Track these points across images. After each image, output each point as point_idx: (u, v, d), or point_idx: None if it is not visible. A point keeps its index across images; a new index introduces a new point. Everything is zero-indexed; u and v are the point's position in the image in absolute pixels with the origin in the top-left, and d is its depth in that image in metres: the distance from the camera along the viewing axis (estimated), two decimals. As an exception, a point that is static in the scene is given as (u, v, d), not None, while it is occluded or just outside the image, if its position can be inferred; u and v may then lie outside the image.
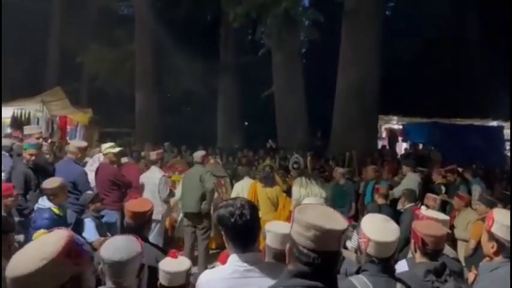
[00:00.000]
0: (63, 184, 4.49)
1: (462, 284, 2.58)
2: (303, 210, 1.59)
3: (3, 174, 5.36)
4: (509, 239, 2.22)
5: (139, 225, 3.02)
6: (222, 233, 2.06)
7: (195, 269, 5.86)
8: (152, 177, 6.43)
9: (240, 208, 1.98)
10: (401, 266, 2.78)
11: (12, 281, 1.25)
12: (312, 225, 1.49)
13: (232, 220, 1.96)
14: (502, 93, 14.25)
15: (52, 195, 4.35)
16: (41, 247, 1.32)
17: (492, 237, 2.30)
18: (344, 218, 1.58)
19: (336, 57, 13.80)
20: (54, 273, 1.27)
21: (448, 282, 2.24)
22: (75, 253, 1.33)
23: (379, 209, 5.56)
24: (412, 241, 2.55)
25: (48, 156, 6.29)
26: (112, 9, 20.02)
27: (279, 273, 1.65)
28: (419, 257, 2.47)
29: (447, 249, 3.26)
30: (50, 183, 4.45)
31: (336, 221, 1.53)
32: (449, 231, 2.70)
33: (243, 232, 1.98)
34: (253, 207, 2.06)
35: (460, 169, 8.63)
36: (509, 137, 14.84)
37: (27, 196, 5.11)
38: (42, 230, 1.49)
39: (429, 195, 6.18)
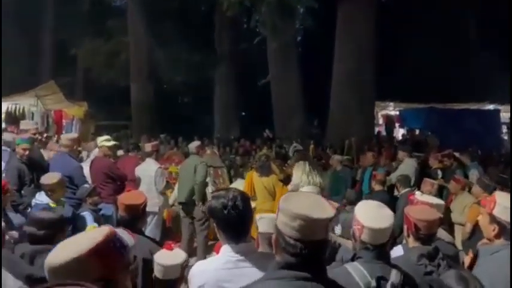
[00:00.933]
0: (61, 180, 4.47)
1: (459, 268, 2.58)
2: (288, 199, 1.55)
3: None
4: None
5: (133, 218, 3.00)
6: (214, 224, 2.04)
7: (193, 261, 5.90)
8: (148, 170, 6.41)
9: (232, 199, 1.95)
10: (397, 252, 2.78)
11: (45, 267, 1.28)
12: (297, 214, 1.46)
13: (225, 212, 1.94)
14: (498, 76, 14.23)
15: (50, 190, 4.34)
16: (77, 241, 1.34)
17: (494, 219, 2.29)
18: (331, 206, 1.56)
19: (332, 44, 13.72)
20: (79, 270, 1.26)
21: (449, 270, 2.23)
22: (106, 254, 1.30)
23: (357, 197, 5.61)
24: (405, 226, 2.54)
25: (51, 151, 6.23)
26: (105, 0, 19.82)
27: (271, 263, 1.63)
28: (412, 242, 2.47)
29: (442, 234, 3.27)
30: (48, 178, 4.42)
31: (322, 209, 1.50)
32: (442, 215, 2.70)
33: (235, 224, 1.96)
34: (246, 199, 2.03)
35: (457, 153, 8.63)
36: (505, 120, 14.85)
37: (22, 191, 5.09)
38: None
39: (426, 180, 6.18)
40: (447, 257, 2.51)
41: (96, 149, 7.07)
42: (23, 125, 7.20)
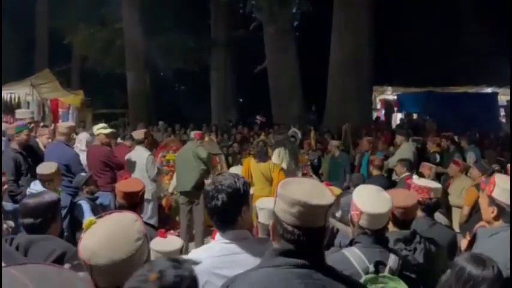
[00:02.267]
0: (58, 169, 4.46)
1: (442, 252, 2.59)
2: (286, 185, 1.51)
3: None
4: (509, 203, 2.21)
5: (132, 205, 3.00)
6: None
7: (192, 246, 5.92)
8: (139, 157, 6.34)
9: (219, 191, 1.89)
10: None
11: (109, 266, 1.34)
12: (296, 200, 1.43)
13: (211, 202, 1.91)
14: (496, 59, 14.16)
15: (48, 181, 4.32)
16: (122, 228, 1.43)
17: (493, 202, 2.29)
18: (331, 191, 1.53)
19: (329, 29, 13.60)
20: (146, 249, 1.43)
21: (464, 253, 2.23)
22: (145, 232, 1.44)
23: (364, 179, 5.58)
24: None
25: (50, 140, 6.16)
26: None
27: (265, 249, 1.61)
28: (391, 227, 2.48)
29: (440, 217, 3.27)
30: (45, 168, 4.40)
31: (322, 195, 1.47)
32: (421, 199, 2.71)
33: (218, 214, 1.93)
34: (238, 189, 1.94)
35: (455, 137, 8.64)
36: (503, 103, 14.84)
37: (20, 182, 5.06)
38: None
39: (424, 163, 6.18)
40: (427, 239, 2.52)
41: (83, 133, 7.01)
42: (19, 114, 7.14)
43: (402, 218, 2.46)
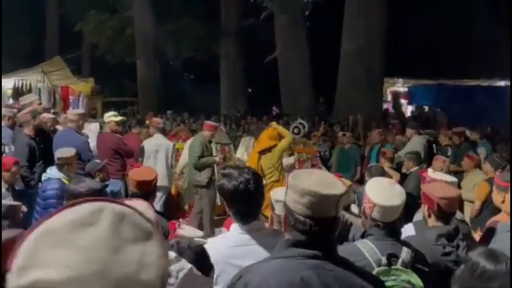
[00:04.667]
0: (76, 154, 4.49)
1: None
2: (297, 176, 1.52)
3: (6, 148, 5.32)
4: None
5: (145, 193, 3.01)
6: (224, 202, 2.03)
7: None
8: (159, 144, 6.35)
9: (244, 183, 1.90)
10: (408, 230, 2.76)
11: None
12: (307, 191, 1.43)
13: (236, 195, 1.91)
14: (509, 52, 13.91)
15: (67, 164, 4.34)
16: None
17: None
18: (341, 182, 1.53)
19: (341, 19, 13.46)
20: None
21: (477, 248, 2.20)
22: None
23: (383, 172, 5.53)
24: (426, 206, 2.47)
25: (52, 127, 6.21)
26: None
27: (279, 240, 1.61)
28: (433, 221, 2.41)
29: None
30: (64, 152, 4.43)
31: (333, 185, 1.47)
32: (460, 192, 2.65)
33: (245, 207, 1.93)
34: (258, 180, 1.98)
35: (467, 130, 8.53)
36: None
37: (34, 169, 5.09)
38: None
39: (438, 156, 6.11)
40: (466, 236, 2.46)
41: (93, 125, 7.06)
42: (24, 99, 7.17)
43: (447, 210, 2.39)
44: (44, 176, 4.39)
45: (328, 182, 1.47)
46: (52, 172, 4.33)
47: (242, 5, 18.51)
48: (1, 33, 11.16)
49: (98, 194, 2.74)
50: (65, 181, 4.22)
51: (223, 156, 6.84)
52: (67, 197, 2.84)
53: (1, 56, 9.14)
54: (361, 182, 7.03)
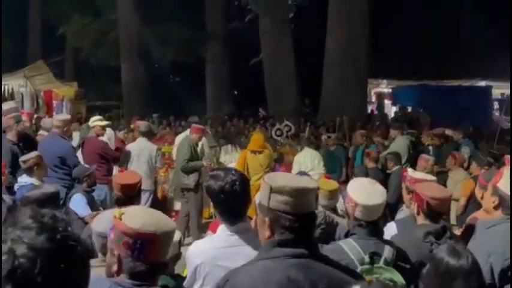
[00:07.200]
0: (40, 156, 4.43)
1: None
2: (271, 177, 1.62)
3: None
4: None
5: (129, 197, 3.01)
6: (212, 203, 2.05)
7: (189, 240, 5.94)
8: (143, 148, 6.33)
9: (230, 183, 1.93)
10: (390, 228, 2.81)
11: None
12: (282, 187, 1.49)
13: (222, 196, 1.94)
14: (491, 53, 14.20)
15: (35, 165, 4.29)
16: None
17: (496, 191, 2.30)
18: (313, 180, 1.61)
19: (325, 21, 13.58)
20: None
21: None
22: None
23: (367, 172, 5.61)
24: (416, 204, 2.51)
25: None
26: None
27: None
28: (421, 219, 2.45)
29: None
30: (27, 155, 4.40)
31: (307, 181, 1.57)
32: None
33: (232, 207, 1.96)
34: (245, 182, 2.01)
35: (450, 130, 8.67)
36: (497, 97, 14.92)
37: (17, 174, 5.02)
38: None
39: (423, 155, 6.22)
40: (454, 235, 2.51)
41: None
42: (6, 105, 7.07)
43: (437, 210, 2.43)
44: (16, 186, 4.33)
45: (302, 179, 1.59)
46: (23, 179, 4.27)
47: (227, 8, 18.54)
48: (1, 33, 10.97)
49: (52, 198, 2.69)
50: (37, 185, 4.17)
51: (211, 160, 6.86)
52: (21, 204, 2.78)
53: (1, 56, 9.01)
54: (347, 182, 7.11)
